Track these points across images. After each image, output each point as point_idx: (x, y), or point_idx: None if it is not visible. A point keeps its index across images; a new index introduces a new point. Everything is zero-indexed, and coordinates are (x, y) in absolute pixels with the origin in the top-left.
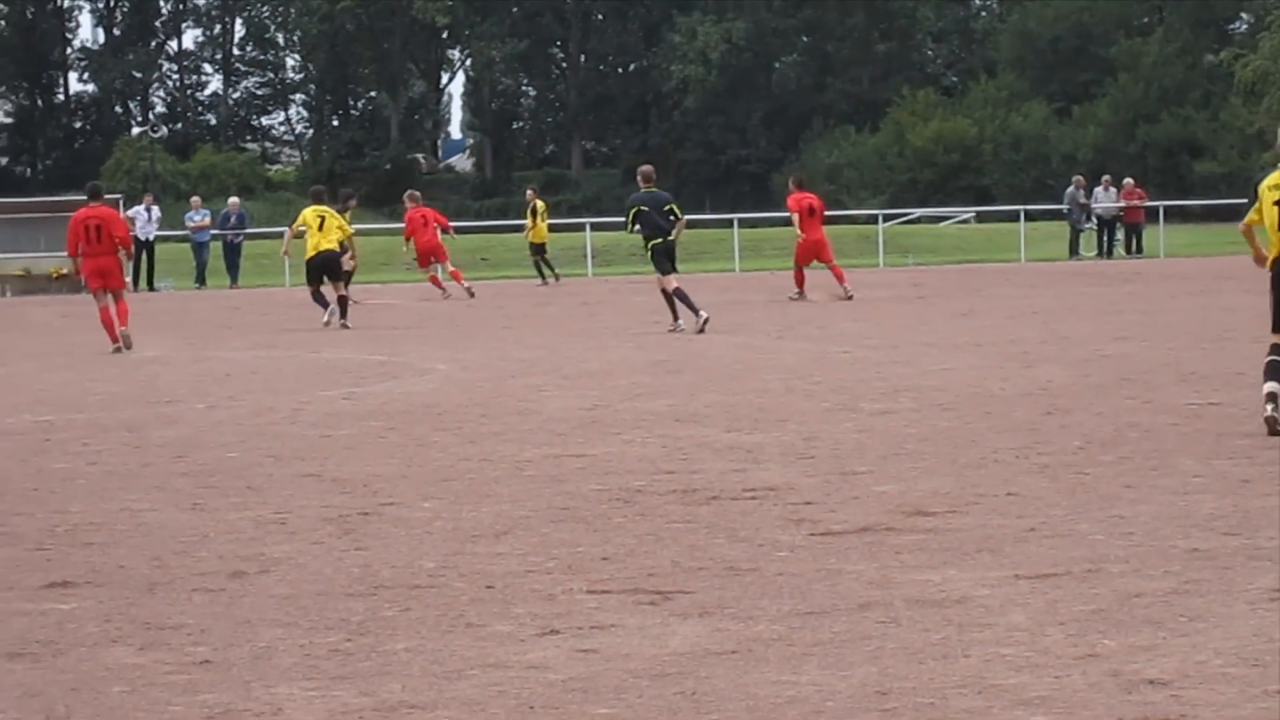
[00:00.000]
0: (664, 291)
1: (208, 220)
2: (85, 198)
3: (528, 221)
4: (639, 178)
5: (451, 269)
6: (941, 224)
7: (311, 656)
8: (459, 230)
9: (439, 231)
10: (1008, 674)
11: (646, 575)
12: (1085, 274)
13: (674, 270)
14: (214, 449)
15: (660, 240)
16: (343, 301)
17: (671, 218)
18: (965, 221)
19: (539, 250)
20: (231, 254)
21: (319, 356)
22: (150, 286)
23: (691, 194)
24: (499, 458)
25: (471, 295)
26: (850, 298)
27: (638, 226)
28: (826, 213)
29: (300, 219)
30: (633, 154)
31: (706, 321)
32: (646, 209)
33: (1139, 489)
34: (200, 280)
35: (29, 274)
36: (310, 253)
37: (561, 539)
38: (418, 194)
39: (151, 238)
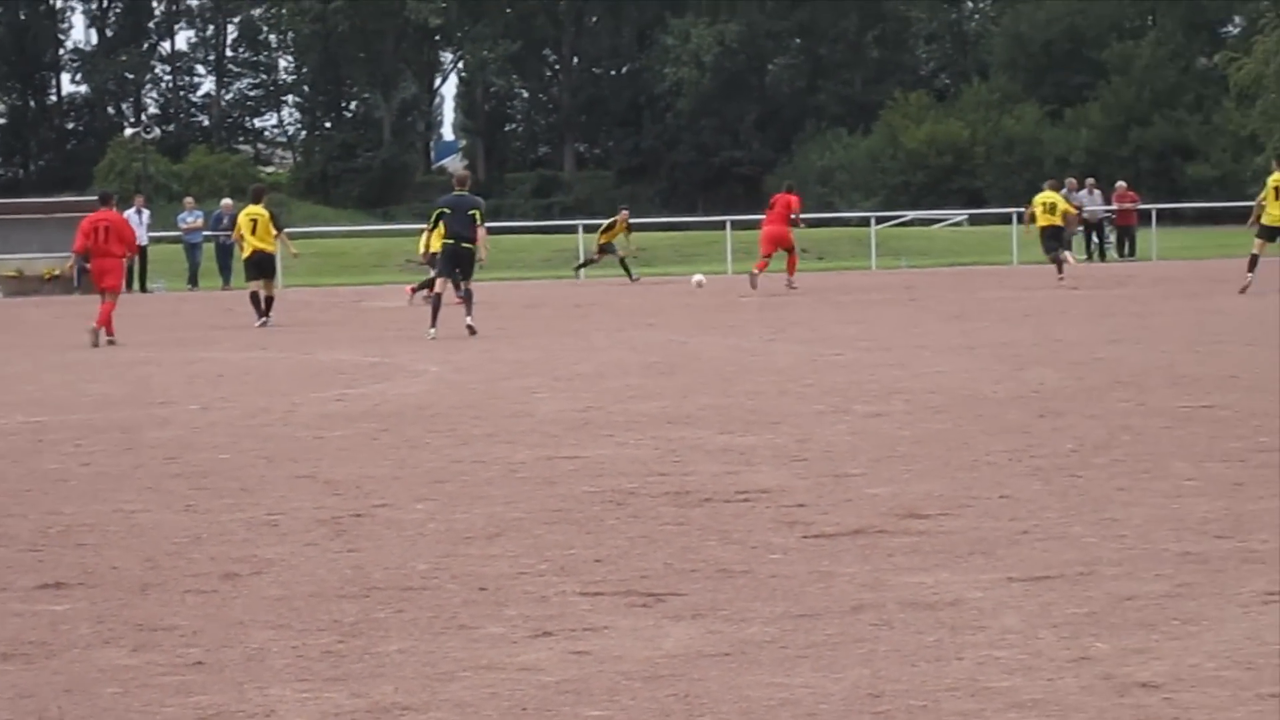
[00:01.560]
0: (436, 295)
1: (200, 221)
2: (96, 200)
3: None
4: (454, 179)
5: None
6: (934, 226)
7: (304, 658)
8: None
9: None
10: (1000, 677)
11: (639, 577)
12: (1077, 277)
13: (456, 277)
14: (207, 450)
15: (453, 242)
16: (269, 301)
17: (474, 225)
18: (958, 224)
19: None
20: (224, 255)
21: (312, 358)
22: (143, 288)
23: (684, 196)
24: (492, 459)
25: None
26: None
27: (440, 227)
28: (819, 214)
29: (237, 225)
30: (625, 155)
31: (433, 337)
32: (450, 212)
33: (1132, 492)
34: (193, 281)
35: (22, 275)
36: (246, 253)
37: (554, 541)
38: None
39: (144, 241)
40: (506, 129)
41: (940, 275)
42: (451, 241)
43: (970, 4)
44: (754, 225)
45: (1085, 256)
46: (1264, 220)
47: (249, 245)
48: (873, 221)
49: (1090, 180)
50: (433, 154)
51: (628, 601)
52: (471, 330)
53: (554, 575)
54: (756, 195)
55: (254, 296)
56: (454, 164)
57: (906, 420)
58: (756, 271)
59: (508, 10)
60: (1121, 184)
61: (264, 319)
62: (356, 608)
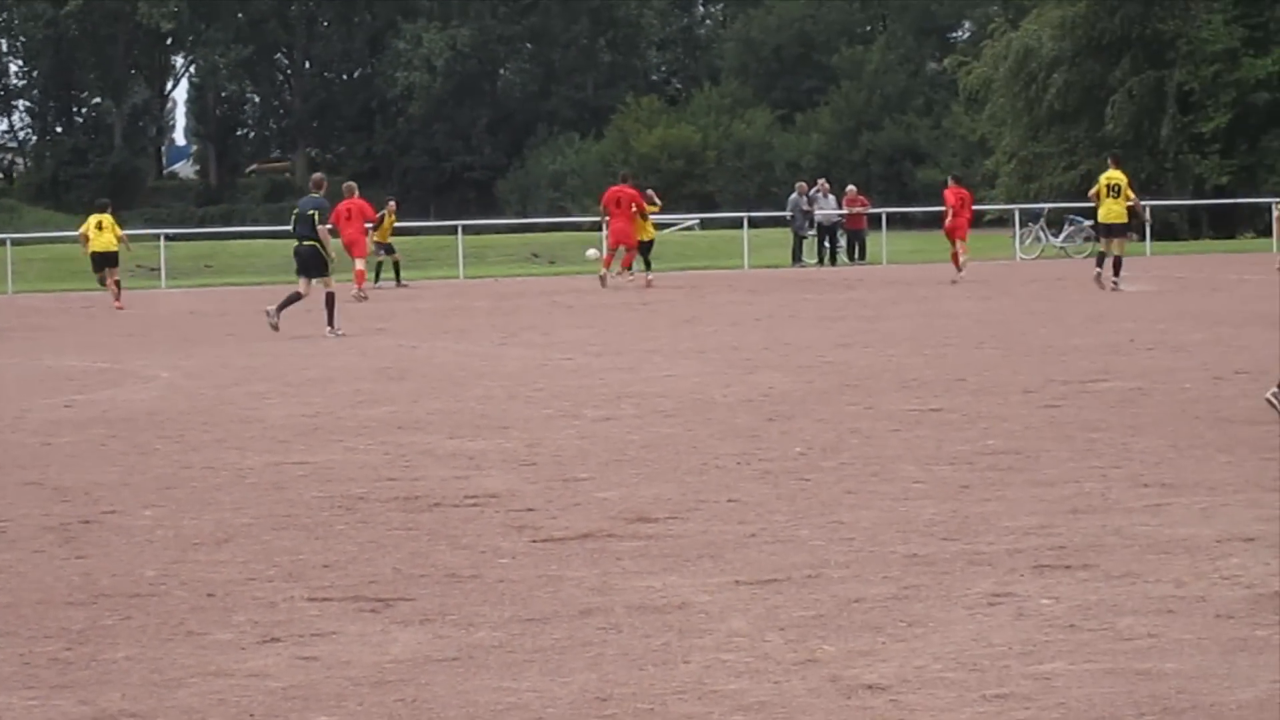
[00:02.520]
0: (295, 292)
1: None
2: None
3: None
4: (310, 183)
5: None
6: (665, 231)
7: (31, 665)
8: (182, 237)
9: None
10: (728, 679)
11: (368, 583)
12: (808, 281)
13: (307, 276)
14: None
15: (298, 242)
16: None
17: (314, 225)
18: (689, 228)
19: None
20: None
21: (40, 364)
22: None
23: (416, 200)
24: (221, 465)
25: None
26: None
27: (294, 228)
28: (551, 219)
29: None
30: (358, 160)
31: (272, 325)
32: (296, 212)
33: (860, 495)
34: None
35: None
36: None
37: (283, 546)
38: (354, 185)
39: None
40: (239, 133)
41: (671, 279)
42: (296, 241)
43: (701, 9)
44: (486, 230)
45: (817, 260)
46: (1101, 219)
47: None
48: (603, 226)
49: (822, 182)
50: (164, 159)
51: (356, 607)
52: (333, 331)
53: (282, 581)
54: (489, 200)
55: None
56: (185, 168)
57: (636, 424)
58: (626, 269)
59: (239, 15)
60: (852, 188)
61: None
62: (84, 615)
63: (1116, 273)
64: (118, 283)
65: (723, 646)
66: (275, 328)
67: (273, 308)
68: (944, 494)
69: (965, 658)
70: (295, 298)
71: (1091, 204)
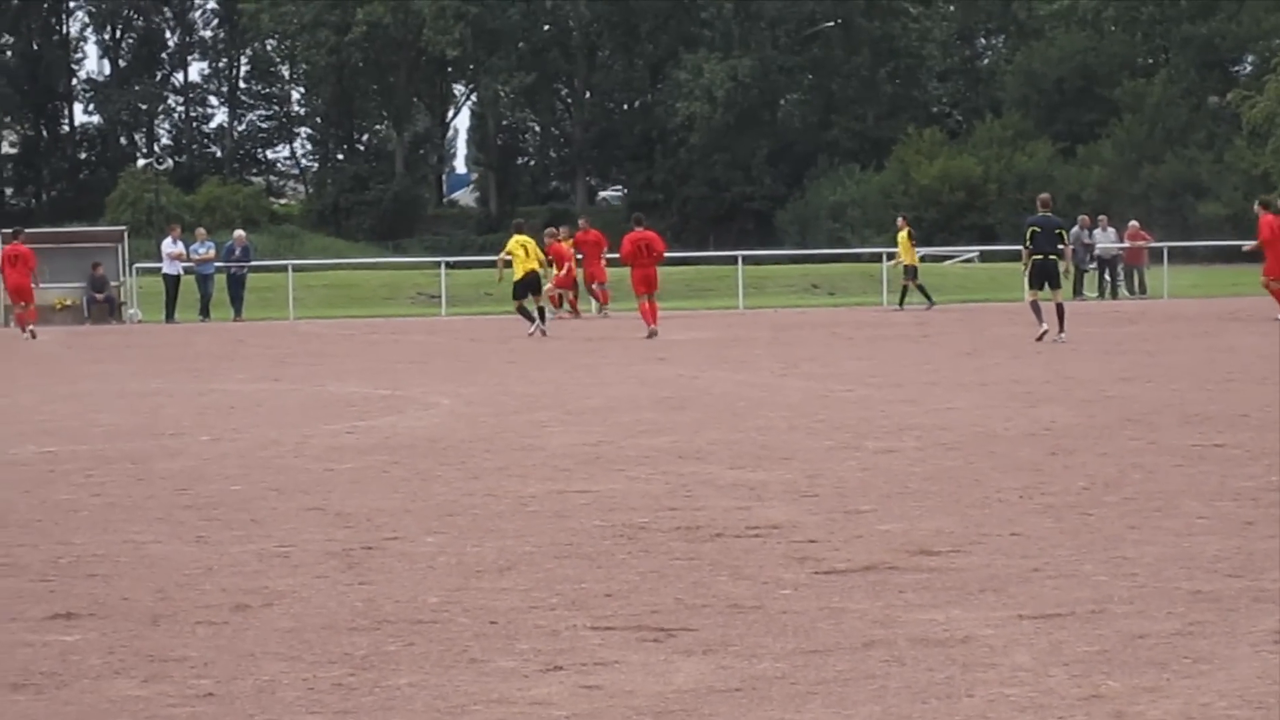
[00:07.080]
0: (1031, 303)
1: (212, 253)
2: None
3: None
4: (1039, 202)
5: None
6: (945, 263)
7: (315, 690)
8: (462, 265)
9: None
10: (1012, 714)
11: (650, 612)
12: (1089, 314)
13: (1043, 287)
14: (218, 481)
15: (1041, 257)
16: (542, 311)
17: (1060, 242)
18: (969, 260)
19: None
20: (235, 286)
21: (323, 390)
22: (169, 317)
23: (695, 230)
24: (503, 493)
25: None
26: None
27: (1031, 245)
28: (831, 250)
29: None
30: (637, 190)
31: (1051, 336)
32: (1040, 231)
33: (1143, 530)
34: (204, 313)
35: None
36: (519, 274)
37: (565, 575)
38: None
39: (179, 271)
40: (519, 162)
41: (952, 311)
42: (1040, 256)
43: (983, 41)
44: (766, 261)
45: (1097, 294)
46: None
47: (522, 266)
48: (884, 257)
49: (1103, 217)
50: (445, 187)
51: (638, 636)
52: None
53: (565, 609)
54: (768, 230)
55: (523, 309)
56: (465, 196)
57: (918, 457)
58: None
59: (521, 44)
60: (1134, 223)
61: (539, 325)
62: (367, 640)
63: None
64: None
65: (1006, 681)
66: (1043, 338)
67: (1048, 331)
68: (1228, 530)
69: (1251, 695)
70: (1036, 308)
71: None
